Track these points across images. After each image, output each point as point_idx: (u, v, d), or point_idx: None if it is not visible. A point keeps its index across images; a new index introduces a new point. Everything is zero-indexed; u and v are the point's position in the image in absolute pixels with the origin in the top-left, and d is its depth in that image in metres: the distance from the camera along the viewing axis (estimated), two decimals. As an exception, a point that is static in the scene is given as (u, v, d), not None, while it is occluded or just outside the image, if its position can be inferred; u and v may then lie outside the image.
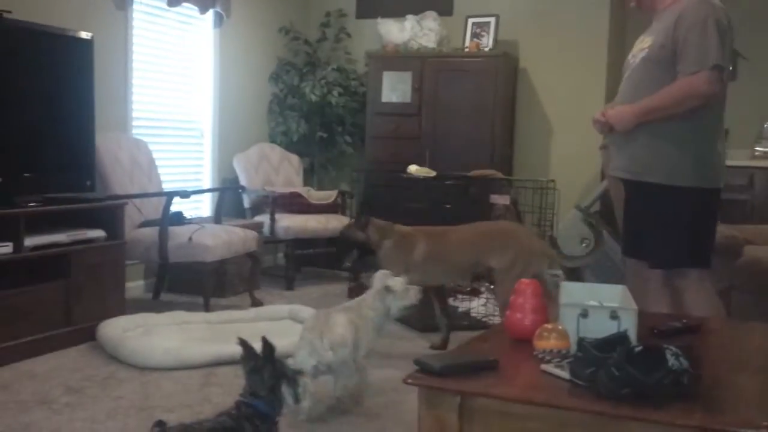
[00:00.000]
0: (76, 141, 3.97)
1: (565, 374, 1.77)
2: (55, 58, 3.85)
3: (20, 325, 3.47)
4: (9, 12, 3.57)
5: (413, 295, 3.03)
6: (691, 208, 2.91)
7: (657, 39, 2.89)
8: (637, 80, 2.95)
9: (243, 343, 1.98)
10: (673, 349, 1.66)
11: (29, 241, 3.50)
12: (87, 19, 4.43)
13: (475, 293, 4.87)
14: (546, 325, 1.96)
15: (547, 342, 1.91)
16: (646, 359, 1.65)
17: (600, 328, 1.92)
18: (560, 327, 1.95)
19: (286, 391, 1.92)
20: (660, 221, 2.92)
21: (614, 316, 1.96)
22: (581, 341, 1.77)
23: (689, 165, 2.88)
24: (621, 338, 1.78)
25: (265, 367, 1.90)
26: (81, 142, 3.99)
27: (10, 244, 3.41)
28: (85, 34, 3.99)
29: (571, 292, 2.22)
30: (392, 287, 2.99)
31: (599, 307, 2.06)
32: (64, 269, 3.70)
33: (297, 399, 1.93)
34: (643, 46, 2.97)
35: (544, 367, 1.84)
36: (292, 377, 1.94)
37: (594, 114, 3.10)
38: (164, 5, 5.05)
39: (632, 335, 1.89)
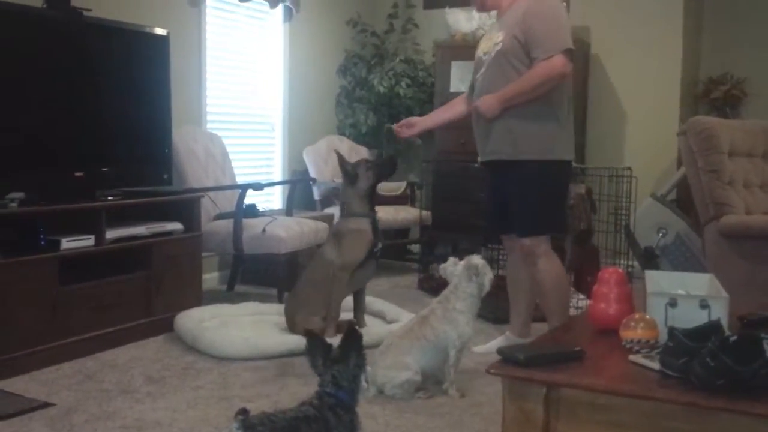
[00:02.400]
0: (154, 135, 4.05)
1: (655, 365, 1.72)
2: (132, 54, 3.94)
3: (102, 316, 3.57)
4: (89, 10, 3.67)
5: (489, 270, 3.06)
6: (561, 179, 3.36)
7: (508, 33, 3.19)
8: (495, 72, 3.24)
9: (309, 332, 1.95)
10: (771, 338, 1.59)
11: (110, 234, 3.60)
12: (163, 15, 4.52)
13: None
14: (633, 315, 1.91)
15: (634, 332, 1.86)
16: (742, 349, 1.59)
17: (689, 317, 1.86)
18: (648, 317, 1.89)
19: (362, 378, 1.89)
20: (534, 193, 3.25)
21: (704, 305, 1.89)
22: (672, 331, 1.72)
23: (555, 140, 3.24)
24: (714, 327, 1.72)
25: (350, 355, 1.86)
26: (158, 137, 4.07)
27: (92, 237, 3.51)
28: (161, 31, 4.07)
29: (657, 281, 2.16)
30: (477, 264, 3.01)
31: (689, 296, 1.99)
32: (144, 261, 3.79)
33: (367, 383, 1.91)
34: (496, 41, 3.24)
35: (632, 357, 1.79)
36: (364, 364, 1.91)
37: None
38: (235, 1, 5.12)
39: (724, 324, 1.82)
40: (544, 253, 3.31)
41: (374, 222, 3.74)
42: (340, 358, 1.85)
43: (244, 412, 1.72)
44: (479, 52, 3.41)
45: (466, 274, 3.02)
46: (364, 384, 1.89)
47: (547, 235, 3.34)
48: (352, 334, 1.89)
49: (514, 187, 3.30)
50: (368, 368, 2.00)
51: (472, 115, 3.43)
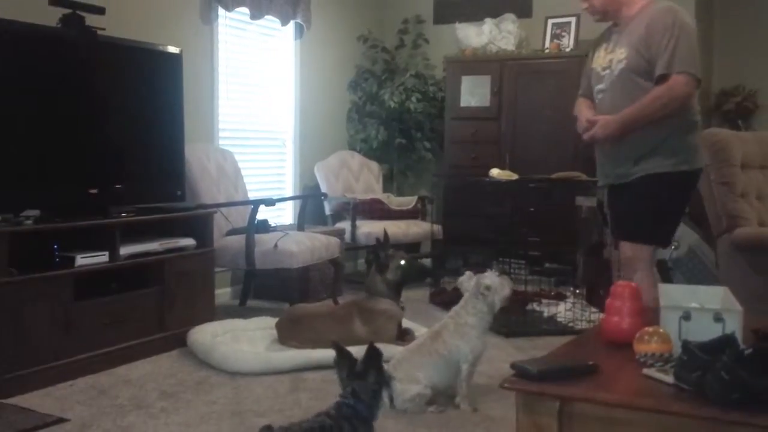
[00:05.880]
0: (167, 152, 4.09)
1: (669, 378, 1.71)
2: (145, 72, 3.97)
3: (116, 331, 3.58)
4: (103, 29, 3.71)
5: (507, 285, 3.03)
6: (687, 188, 3.16)
7: (631, 48, 3.01)
8: (620, 91, 3.04)
9: (337, 346, 2.02)
10: (787, 352, 1.58)
11: (124, 250, 3.62)
12: (175, 34, 4.56)
13: (560, 298, 4.79)
14: (647, 329, 1.90)
15: (648, 346, 1.85)
16: (757, 362, 1.57)
17: (703, 330, 1.85)
18: (661, 330, 1.89)
19: (384, 394, 1.96)
20: (670, 203, 3.09)
21: (718, 318, 1.89)
22: (686, 344, 1.71)
23: (689, 151, 3.05)
24: (728, 341, 1.71)
25: (369, 371, 1.93)
26: (171, 153, 4.10)
27: (106, 253, 3.53)
28: (173, 49, 4.11)
29: (671, 294, 2.15)
30: (490, 285, 2.99)
31: (703, 309, 1.98)
32: (158, 277, 3.81)
33: (392, 401, 1.94)
34: (619, 57, 3.05)
35: (646, 371, 1.79)
36: (388, 381, 2.00)
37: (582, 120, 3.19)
38: (247, 18, 5.16)
39: (738, 338, 1.81)
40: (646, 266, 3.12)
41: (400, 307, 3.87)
42: (361, 373, 1.92)
43: (269, 429, 1.77)
44: (596, 66, 3.19)
45: (475, 291, 3.02)
46: (385, 400, 1.97)
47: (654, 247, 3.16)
48: (372, 352, 1.96)
49: (642, 193, 3.06)
50: (394, 384, 2.03)
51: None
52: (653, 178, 3.03)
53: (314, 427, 1.84)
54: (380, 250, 3.84)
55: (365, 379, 1.93)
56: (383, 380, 1.96)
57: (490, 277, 3.02)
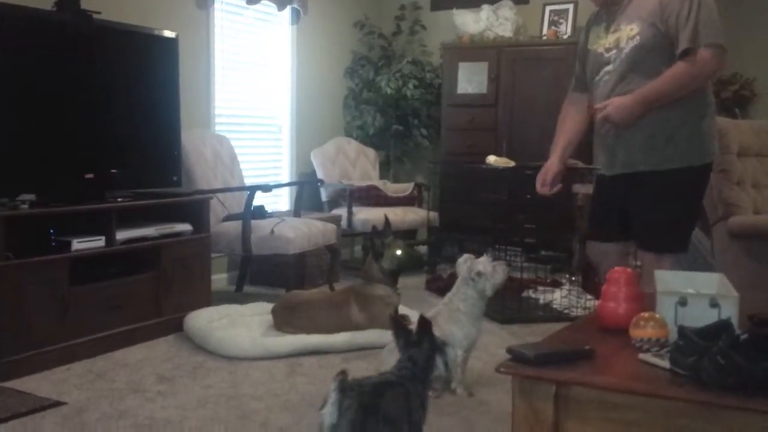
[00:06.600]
0: (163, 137, 4.08)
1: (664, 363, 1.72)
2: (141, 56, 3.96)
3: (113, 315, 3.59)
4: (99, 13, 3.69)
5: (501, 272, 3.01)
6: (705, 184, 2.94)
7: (644, 24, 2.76)
8: (632, 70, 2.81)
9: (394, 319, 2.24)
10: (782, 337, 1.59)
11: (120, 235, 3.62)
12: (171, 18, 4.55)
13: (555, 285, 4.80)
14: (642, 314, 1.91)
15: (644, 331, 1.86)
16: (753, 348, 1.58)
17: (699, 316, 1.86)
18: (657, 316, 1.90)
19: (438, 360, 2.17)
20: (687, 203, 2.90)
21: (714, 303, 1.89)
22: (682, 329, 1.72)
23: (713, 138, 2.87)
24: (724, 326, 1.71)
25: (423, 340, 2.14)
26: (167, 139, 4.09)
27: (103, 237, 3.53)
28: (170, 33, 4.10)
29: (667, 281, 2.16)
30: (482, 271, 2.97)
31: (699, 294, 1.99)
32: (154, 262, 3.81)
33: (447, 367, 2.23)
34: (629, 34, 2.81)
35: (642, 356, 1.79)
36: (442, 348, 2.20)
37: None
38: (243, 3, 5.14)
39: (734, 323, 1.82)
40: None
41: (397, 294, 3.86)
42: (416, 341, 2.14)
43: (343, 374, 1.94)
44: (596, 48, 2.95)
45: (466, 277, 3.01)
46: (440, 366, 2.18)
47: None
48: (424, 323, 2.17)
49: (662, 196, 2.84)
50: (448, 350, 2.32)
51: (595, 119, 2.98)
52: (675, 177, 2.81)
53: (383, 382, 2.06)
54: (377, 237, 3.84)
55: (420, 346, 2.14)
56: (436, 347, 2.17)
57: (483, 263, 3.00)
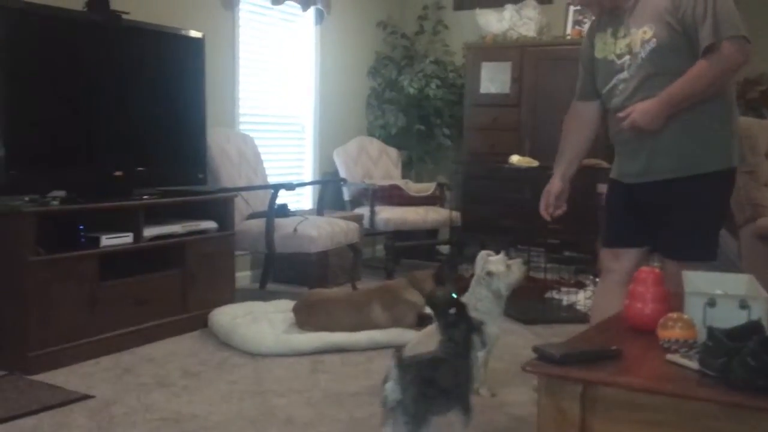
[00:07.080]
0: (189, 136, 4.12)
1: (693, 365, 1.71)
2: (169, 56, 4.01)
3: (140, 311, 3.64)
4: (127, 13, 3.74)
5: (517, 270, 2.96)
6: (732, 187, 2.78)
7: (659, 24, 2.60)
8: (651, 75, 2.64)
9: (431, 302, 2.41)
10: (813, 339, 1.58)
11: (147, 232, 3.67)
12: (197, 18, 4.59)
13: (579, 286, 4.79)
14: (671, 315, 1.90)
15: (672, 332, 1.85)
16: (783, 350, 1.58)
17: (728, 317, 1.85)
18: (685, 316, 1.89)
19: (475, 339, 2.38)
20: (710, 210, 2.72)
21: (744, 305, 1.87)
22: (711, 330, 1.71)
23: (732, 145, 2.71)
24: (754, 327, 1.71)
25: (460, 320, 2.32)
26: (193, 137, 4.14)
27: (130, 234, 3.58)
28: (196, 33, 4.14)
29: (695, 282, 2.15)
30: (493, 271, 2.93)
31: (728, 295, 1.98)
32: (179, 259, 3.85)
33: (484, 343, 2.45)
34: (644, 37, 2.64)
35: (669, 357, 1.79)
36: (479, 327, 2.41)
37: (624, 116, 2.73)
38: (268, 4, 5.18)
39: (764, 324, 1.81)
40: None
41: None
42: (454, 322, 2.31)
43: (398, 350, 2.12)
44: (606, 56, 2.78)
45: (478, 277, 2.97)
46: (478, 342, 2.39)
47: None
48: (459, 305, 2.35)
49: (690, 203, 2.69)
50: (484, 328, 2.51)
51: (610, 127, 2.84)
52: (703, 182, 2.67)
53: (437, 357, 2.24)
54: (448, 265, 3.82)
55: (458, 326, 2.31)
56: (472, 326, 2.35)
57: (494, 263, 2.94)
